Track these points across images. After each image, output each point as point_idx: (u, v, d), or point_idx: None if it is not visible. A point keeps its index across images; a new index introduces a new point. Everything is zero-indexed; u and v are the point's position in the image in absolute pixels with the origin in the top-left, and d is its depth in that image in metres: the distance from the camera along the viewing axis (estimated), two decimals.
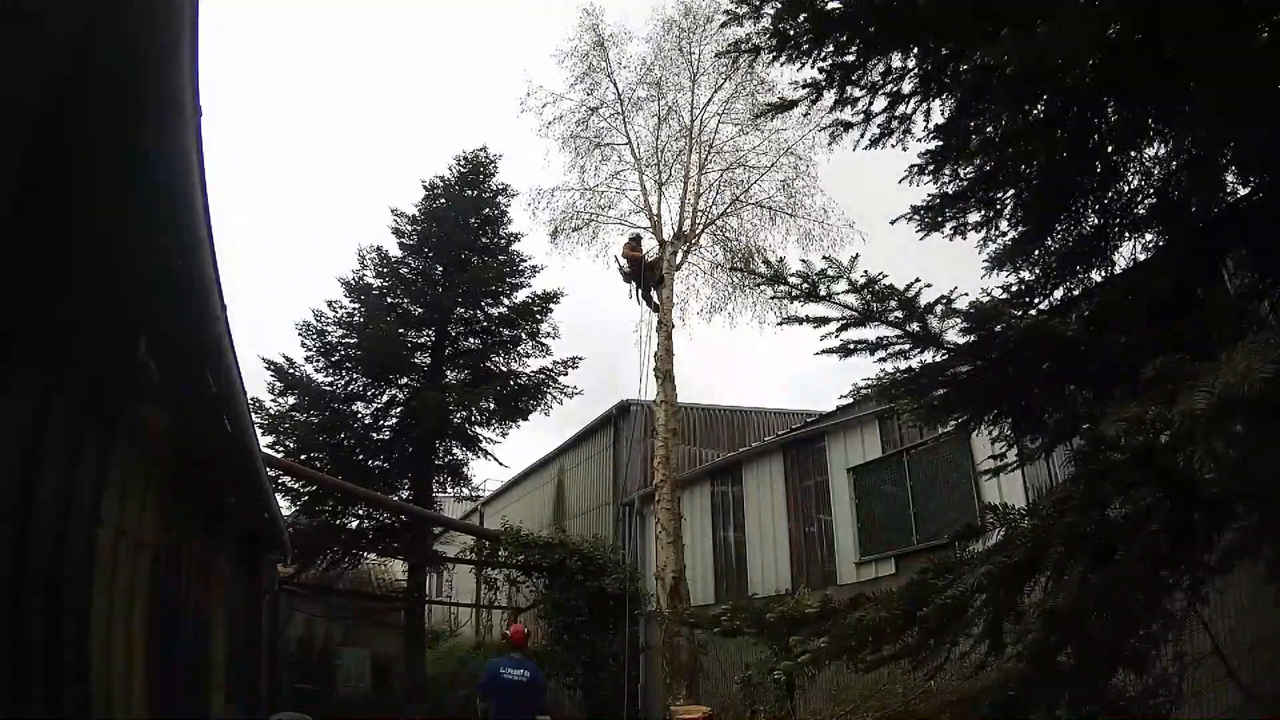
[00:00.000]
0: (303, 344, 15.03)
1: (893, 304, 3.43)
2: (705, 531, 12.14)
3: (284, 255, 62.92)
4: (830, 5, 3.84)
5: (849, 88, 4.10)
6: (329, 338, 15.14)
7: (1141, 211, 3.95)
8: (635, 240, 12.49)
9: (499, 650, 6.66)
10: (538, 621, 12.91)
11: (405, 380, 15.28)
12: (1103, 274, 4.11)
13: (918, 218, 4.25)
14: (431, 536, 15.32)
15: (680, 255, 12.47)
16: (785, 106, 4.68)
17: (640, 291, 12.28)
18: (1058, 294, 4.19)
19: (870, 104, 4.16)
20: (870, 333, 3.61)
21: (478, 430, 15.42)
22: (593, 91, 13.68)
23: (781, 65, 4.14)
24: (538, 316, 15.78)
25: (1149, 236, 3.97)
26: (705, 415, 15.20)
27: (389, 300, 15.51)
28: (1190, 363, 2.44)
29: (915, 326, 3.48)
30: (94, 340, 3.22)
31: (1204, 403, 2.16)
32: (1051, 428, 3.86)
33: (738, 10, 4.11)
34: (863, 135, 4.26)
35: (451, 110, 64.88)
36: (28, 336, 2.60)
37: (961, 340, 3.50)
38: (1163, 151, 3.84)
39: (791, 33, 3.95)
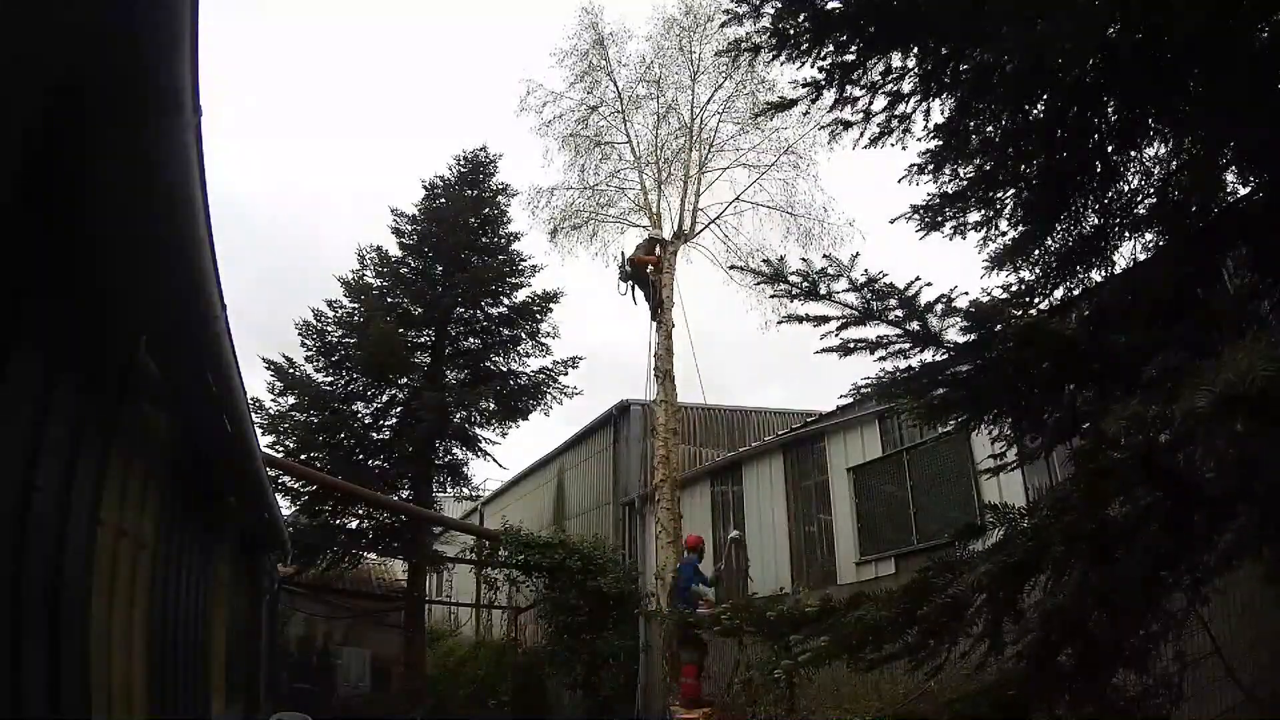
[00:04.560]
0: (303, 344, 15.05)
1: (893, 302, 3.43)
2: (705, 531, 12.13)
3: (283, 253, 62.88)
4: (830, 5, 3.84)
5: (849, 87, 4.09)
6: (329, 338, 15.15)
7: (1141, 211, 3.95)
8: (651, 244, 12.27)
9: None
10: (538, 621, 12.90)
11: (405, 380, 15.28)
12: (1103, 274, 4.10)
13: (917, 217, 4.25)
14: (431, 536, 15.32)
15: (680, 254, 12.45)
16: (785, 105, 4.67)
17: (634, 292, 12.15)
18: (1058, 294, 4.19)
19: (870, 103, 4.15)
20: (870, 331, 3.61)
21: (477, 430, 15.44)
22: (592, 90, 13.69)
23: (781, 64, 4.14)
24: (537, 316, 15.80)
25: (1149, 236, 3.96)
26: (705, 415, 15.19)
27: (389, 300, 15.52)
28: (1192, 361, 2.44)
29: (915, 325, 3.48)
30: (94, 340, 3.22)
31: (1205, 400, 2.16)
32: (1051, 428, 3.85)
33: (738, 9, 4.11)
34: (862, 134, 4.26)
35: (451, 110, 64.88)
36: (28, 336, 2.60)
37: (961, 339, 3.50)
38: (1163, 151, 3.83)
39: (791, 32, 3.95)
